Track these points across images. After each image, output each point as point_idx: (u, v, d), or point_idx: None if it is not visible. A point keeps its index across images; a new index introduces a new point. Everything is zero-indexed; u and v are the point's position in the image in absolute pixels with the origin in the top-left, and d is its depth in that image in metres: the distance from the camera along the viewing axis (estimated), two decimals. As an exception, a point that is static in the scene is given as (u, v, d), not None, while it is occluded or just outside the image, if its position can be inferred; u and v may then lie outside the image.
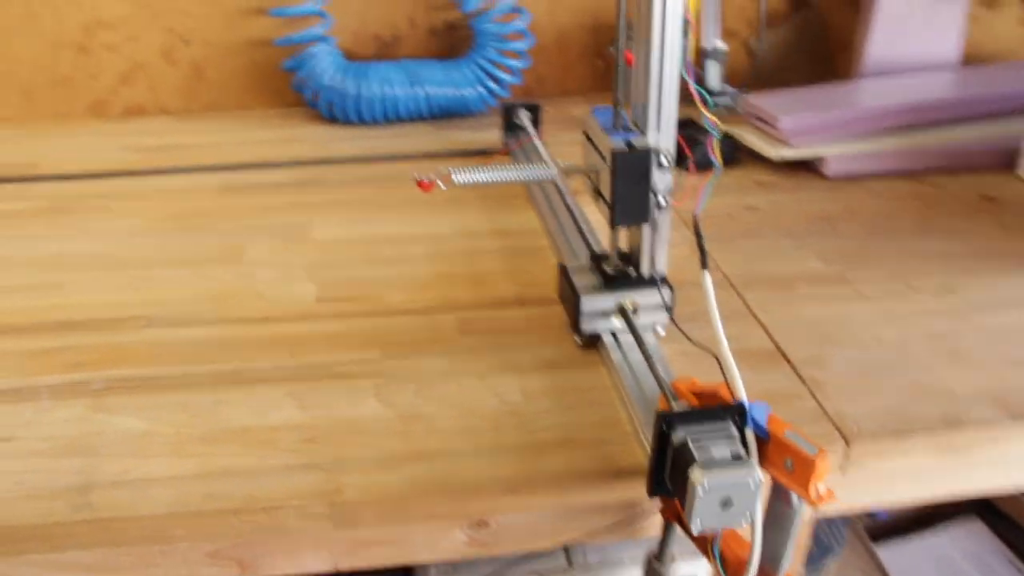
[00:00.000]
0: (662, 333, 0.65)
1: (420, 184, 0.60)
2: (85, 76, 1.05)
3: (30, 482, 0.55)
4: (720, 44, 1.03)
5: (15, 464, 0.56)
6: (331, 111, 1.03)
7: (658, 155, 0.59)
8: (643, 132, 0.60)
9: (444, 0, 1.01)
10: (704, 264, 0.57)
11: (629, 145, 0.59)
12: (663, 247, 0.64)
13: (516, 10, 1.01)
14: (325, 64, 1.01)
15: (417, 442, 0.58)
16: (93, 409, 0.61)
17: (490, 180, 0.61)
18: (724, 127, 0.94)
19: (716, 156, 0.57)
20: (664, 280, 0.64)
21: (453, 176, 0.60)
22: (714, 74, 1.02)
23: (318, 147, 1.00)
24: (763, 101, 0.92)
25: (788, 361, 0.64)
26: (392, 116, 1.03)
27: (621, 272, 0.65)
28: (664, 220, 0.62)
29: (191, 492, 0.54)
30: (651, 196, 0.60)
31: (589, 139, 0.64)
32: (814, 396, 0.61)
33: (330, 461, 0.56)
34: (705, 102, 0.56)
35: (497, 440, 0.58)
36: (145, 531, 0.53)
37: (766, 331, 0.67)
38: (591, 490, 0.55)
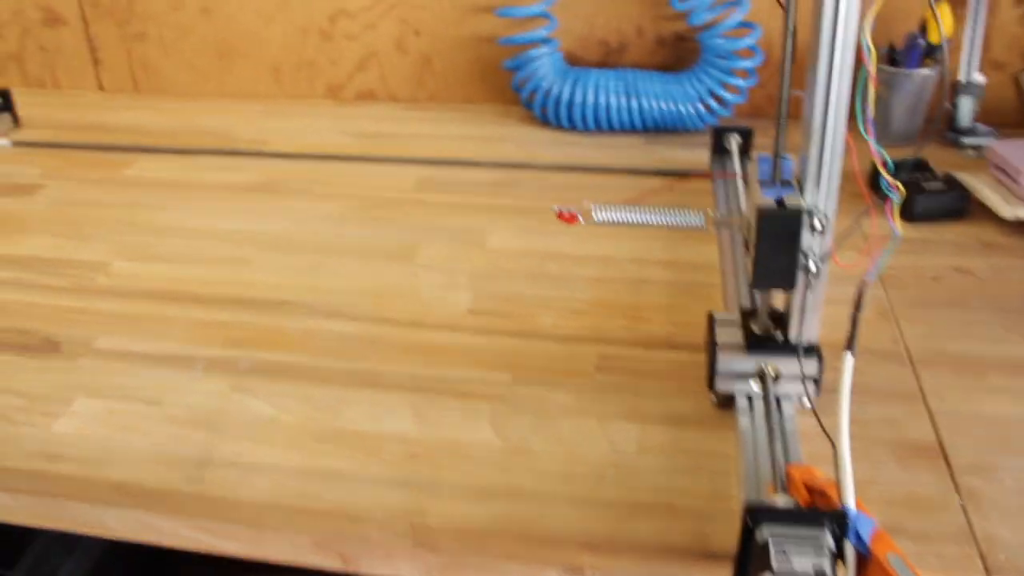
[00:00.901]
0: (807, 406, 0.60)
1: (561, 216, 0.60)
2: (326, 61, 1.13)
3: (160, 446, 0.61)
4: (978, 77, 0.91)
5: (154, 427, 0.63)
6: (544, 114, 1.03)
7: (812, 217, 0.54)
8: (802, 188, 0.55)
9: (675, 10, 0.97)
10: (850, 344, 0.52)
11: (779, 203, 0.54)
12: (815, 314, 0.58)
13: (747, 25, 0.96)
14: (544, 66, 1.01)
15: (515, 478, 0.57)
16: (233, 387, 0.66)
17: (631, 222, 0.59)
18: (943, 178, 0.84)
19: (895, 223, 0.51)
20: (814, 349, 0.59)
21: (593, 213, 0.59)
22: (966, 111, 0.91)
23: (523, 149, 1.01)
24: (1009, 149, 0.81)
25: (948, 463, 0.57)
26: (604, 125, 1.02)
27: (767, 334, 0.61)
28: (818, 287, 0.57)
29: (289, 486, 0.57)
30: (799, 260, 0.55)
31: (749, 187, 0.59)
32: (965, 511, 0.53)
33: (425, 481, 0.57)
34: (885, 162, 0.50)
35: (595, 492, 0.56)
36: (241, 515, 0.58)
37: (932, 422, 0.60)
38: (675, 568, 0.52)
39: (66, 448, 0.61)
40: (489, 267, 0.79)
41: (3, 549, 1.26)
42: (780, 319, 0.61)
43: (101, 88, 1.22)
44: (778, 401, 0.60)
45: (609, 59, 1.06)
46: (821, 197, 0.55)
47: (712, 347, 0.61)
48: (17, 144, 1.06)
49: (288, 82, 1.15)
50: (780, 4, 0.53)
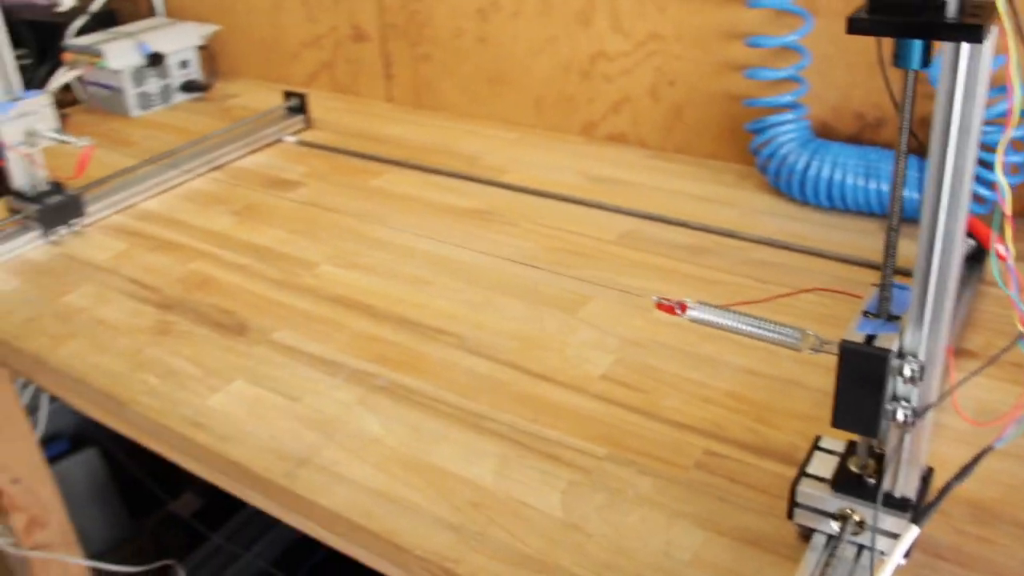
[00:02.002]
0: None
1: (659, 306, 0.59)
2: (584, 99, 1.17)
3: (278, 439, 0.70)
4: None
5: (282, 420, 0.72)
6: (778, 182, 1.00)
7: (902, 364, 0.49)
8: (904, 326, 0.50)
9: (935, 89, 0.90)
10: (917, 518, 0.47)
11: (869, 339, 0.50)
12: (912, 470, 0.53)
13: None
14: (785, 133, 0.98)
15: (556, 555, 0.59)
16: (360, 400, 0.73)
17: (723, 326, 0.57)
18: None
19: None
20: (908, 503, 0.54)
21: (689, 310, 0.58)
22: None
23: (744, 216, 0.98)
24: None
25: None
26: (839, 203, 0.96)
27: (858, 473, 0.56)
28: (916, 438, 0.52)
29: (360, 503, 0.63)
30: (885, 408, 0.51)
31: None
32: None
33: (474, 532, 0.60)
34: None
35: (623, 592, 0.56)
36: (313, 516, 0.65)
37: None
38: None
39: (209, 420, 0.72)
40: (644, 335, 0.80)
41: (215, 512, 1.47)
42: (881, 459, 0.56)
43: (391, 100, 1.37)
44: (860, 550, 0.56)
45: (863, 134, 1.00)
46: (922, 341, 0.50)
47: (798, 475, 0.57)
48: (301, 143, 1.23)
49: (548, 114, 1.22)
50: (893, 102, 0.50)
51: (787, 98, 0.99)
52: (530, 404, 0.72)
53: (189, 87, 1.41)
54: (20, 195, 1.01)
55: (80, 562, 1.38)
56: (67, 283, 0.93)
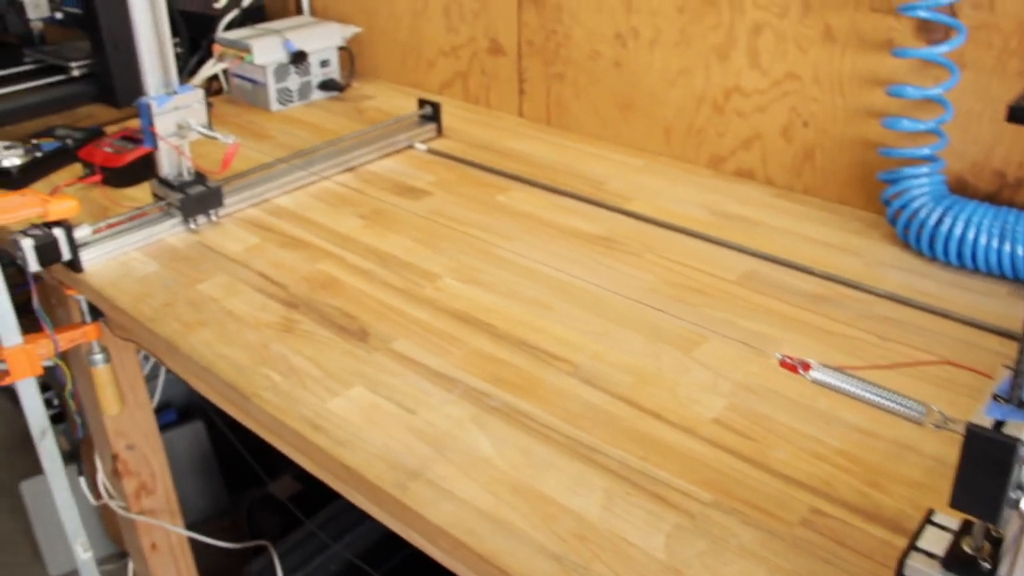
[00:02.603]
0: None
1: (783, 364, 0.60)
2: (714, 132, 1.18)
3: (391, 448, 0.73)
4: None
5: (397, 430, 0.75)
6: (907, 235, 0.99)
7: (1029, 452, 0.49)
8: (1034, 414, 0.50)
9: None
10: None
11: (997, 426, 0.50)
12: (1028, 560, 0.53)
13: None
14: (918, 186, 0.97)
15: (648, 597, 0.60)
16: (473, 419, 0.76)
17: (846, 391, 0.57)
18: None
19: None
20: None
21: (812, 371, 0.59)
22: None
23: (868, 268, 0.97)
24: None
25: None
26: (968, 263, 0.95)
27: (972, 555, 0.56)
28: (1034, 529, 0.52)
29: (466, 520, 0.66)
30: (1009, 496, 0.50)
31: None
32: None
33: (576, 564, 0.62)
34: None
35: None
36: (420, 528, 0.68)
37: None
38: None
39: (328, 423, 0.76)
40: (758, 382, 0.80)
41: (311, 498, 1.52)
42: (999, 544, 0.56)
43: (521, 114, 1.40)
44: (965, 634, 0.55)
45: (1002, 194, 0.98)
46: (1057, 430, 0.50)
47: (908, 548, 0.57)
48: (431, 151, 1.27)
49: (676, 144, 1.23)
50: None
51: (925, 150, 0.98)
52: (640, 441, 0.73)
53: (327, 86, 1.47)
54: (165, 183, 1.07)
55: (181, 531, 1.45)
56: (201, 271, 0.99)
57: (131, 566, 1.47)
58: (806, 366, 0.59)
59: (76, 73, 1.46)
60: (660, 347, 0.85)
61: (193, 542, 1.49)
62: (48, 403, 1.87)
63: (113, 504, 1.37)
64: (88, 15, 1.40)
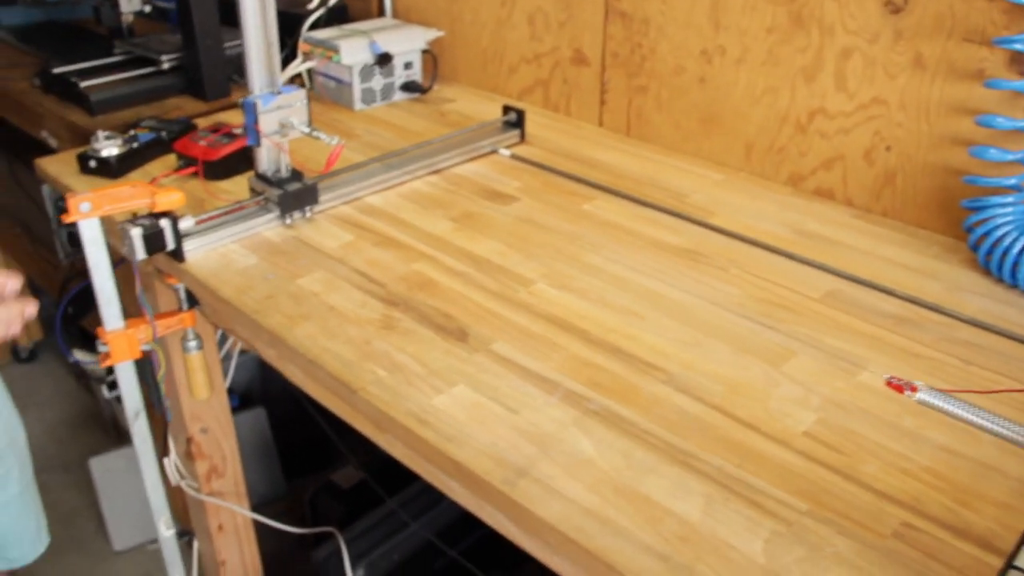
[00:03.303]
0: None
1: (889, 384, 0.64)
2: (796, 151, 1.22)
3: (497, 446, 0.77)
4: None
5: (502, 429, 0.79)
6: (988, 262, 1.02)
7: None
8: None
9: None
10: None
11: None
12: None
13: None
14: (1003, 215, 1.00)
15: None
16: (575, 422, 0.80)
17: (953, 414, 0.61)
18: None
19: None
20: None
21: (919, 392, 0.62)
22: None
23: (948, 293, 1.01)
24: None
25: None
26: (1050, 293, 0.98)
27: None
28: None
29: (573, 518, 0.70)
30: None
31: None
32: None
33: (682, 565, 0.67)
34: None
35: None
36: (528, 524, 0.72)
37: None
38: None
39: (434, 418, 0.80)
40: (847, 399, 0.84)
41: (373, 491, 1.58)
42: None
43: (600, 124, 1.45)
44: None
45: (1088, 226, 1.01)
46: None
47: (1005, 566, 0.61)
48: (514, 157, 1.32)
49: (756, 161, 1.27)
50: None
51: (1011, 180, 1.01)
52: (736, 450, 0.77)
53: (409, 87, 1.53)
54: (264, 178, 1.12)
55: (248, 513, 1.51)
56: (300, 266, 1.04)
57: (196, 545, 1.52)
58: (913, 387, 0.63)
59: (166, 66, 1.52)
60: (749, 360, 0.89)
61: (257, 525, 1.55)
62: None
63: (185, 485, 1.43)
64: (182, 11, 1.46)
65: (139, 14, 1.61)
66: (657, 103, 1.35)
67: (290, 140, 1.12)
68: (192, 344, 1.13)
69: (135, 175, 1.27)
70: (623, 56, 1.36)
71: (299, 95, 1.10)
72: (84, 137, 1.46)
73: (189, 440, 1.42)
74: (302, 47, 1.49)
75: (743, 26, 1.22)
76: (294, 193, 1.11)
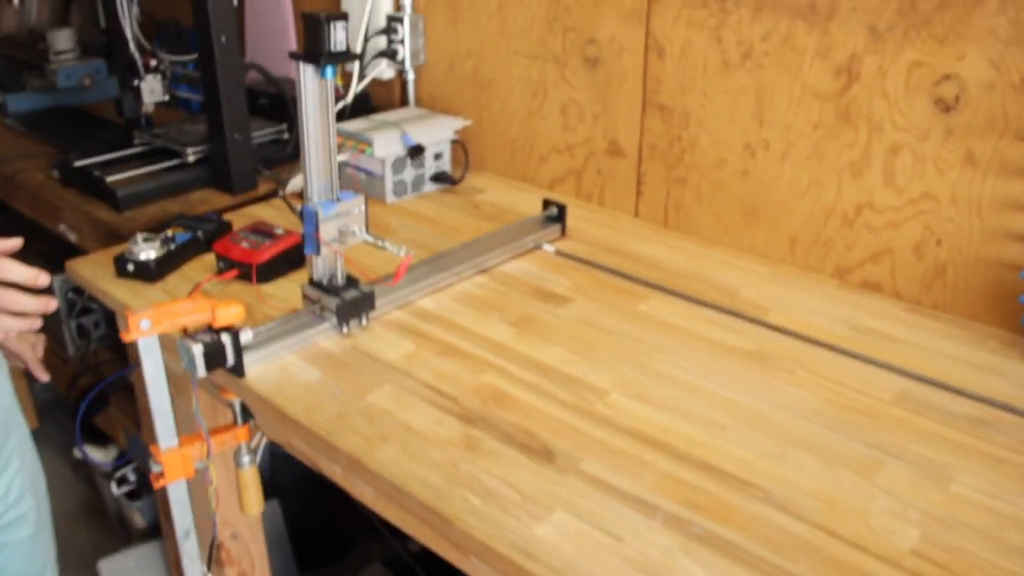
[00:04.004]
0: None
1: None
2: (842, 245, 1.23)
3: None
4: None
5: (610, 560, 0.77)
6: (1053, 360, 1.03)
7: None
8: None
9: None
10: None
11: None
12: None
13: None
14: (1067, 314, 1.02)
15: None
16: (681, 548, 0.79)
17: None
18: None
19: None
20: None
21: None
22: None
23: (1014, 389, 1.01)
24: None
25: None
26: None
27: None
28: None
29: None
30: None
31: None
32: None
33: None
34: None
35: None
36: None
37: None
38: None
39: (540, 551, 0.78)
40: (944, 511, 0.83)
41: None
42: None
43: (636, 215, 1.45)
44: None
45: None
46: None
47: None
48: (559, 253, 1.31)
49: (800, 253, 1.28)
50: None
51: (1073, 278, 1.03)
52: (848, 572, 0.76)
53: (439, 178, 1.52)
54: (319, 286, 1.10)
55: (278, 619, 1.46)
56: (366, 380, 1.02)
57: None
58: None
59: (191, 159, 1.50)
60: (839, 471, 0.88)
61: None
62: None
63: (217, 592, 1.38)
64: (210, 104, 1.45)
65: (158, 103, 1.59)
66: (697, 195, 1.36)
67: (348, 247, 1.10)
68: (246, 459, 1.10)
69: (173, 278, 1.25)
70: (661, 148, 1.37)
71: (358, 201, 1.08)
72: (108, 233, 1.43)
73: (219, 547, 1.38)
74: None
75: (788, 121, 1.23)
76: (352, 302, 1.09)
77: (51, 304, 1.07)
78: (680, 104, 1.34)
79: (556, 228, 1.35)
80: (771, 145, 1.26)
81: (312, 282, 1.11)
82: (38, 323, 1.08)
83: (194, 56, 1.51)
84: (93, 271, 1.26)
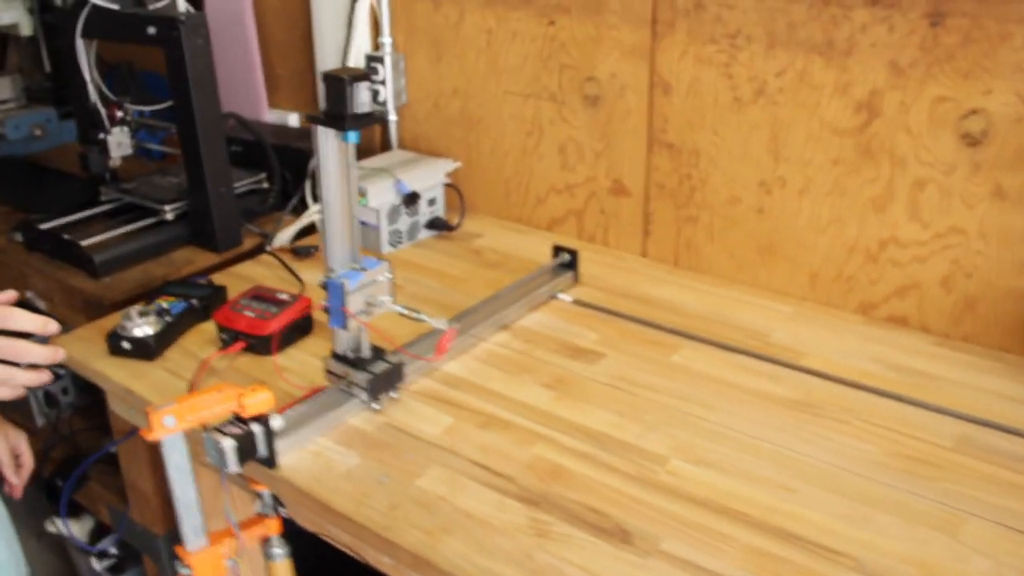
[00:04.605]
0: None
1: None
2: (866, 280, 1.20)
3: None
4: None
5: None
6: (1097, 392, 1.02)
7: None
8: None
9: None
10: None
11: None
12: None
13: None
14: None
15: None
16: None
17: None
18: None
19: None
20: None
21: None
22: None
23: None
24: None
25: None
26: None
27: None
28: None
29: None
30: None
31: None
32: None
33: None
34: None
35: None
36: None
37: None
38: None
39: (648, 652, 0.73)
40: (1042, 570, 0.81)
41: None
42: None
43: (644, 255, 1.40)
44: None
45: None
46: None
47: None
48: (577, 303, 1.25)
49: (822, 290, 1.25)
50: None
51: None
52: (970, 653, 0.73)
53: (435, 224, 1.45)
54: (344, 359, 1.02)
55: None
56: (410, 462, 0.94)
57: None
58: None
59: (170, 216, 1.39)
60: (922, 531, 0.85)
61: None
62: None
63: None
64: (188, 156, 1.34)
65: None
66: (709, 233, 1.32)
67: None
68: (279, 552, 1.01)
69: (172, 353, 1.15)
70: (670, 187, 1.33)
71: (383, 268, 1.01)
72: (86, 302, 1.33)
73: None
74: (321, 191, 1.39)
75: (806, 158, 1.20)
76: (383, 376, 1.01)
77: (59, 353, 1.03)
78: (689, 142, 1.30)
79: (569, 275, 1.29)
80: (788, 182, 1.22)
81: (336, 356, 1.04)
82: (47, 377, 1.03)
83: (166, 104, 1.40)
84: (83, 350, 1.16)
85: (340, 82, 0.92)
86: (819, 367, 1.10)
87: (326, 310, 1.00)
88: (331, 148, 0.96)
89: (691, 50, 1.25)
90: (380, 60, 1.48)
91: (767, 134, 1.23)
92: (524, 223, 1.53)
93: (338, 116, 0.94)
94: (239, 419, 0.93)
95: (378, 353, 1.04)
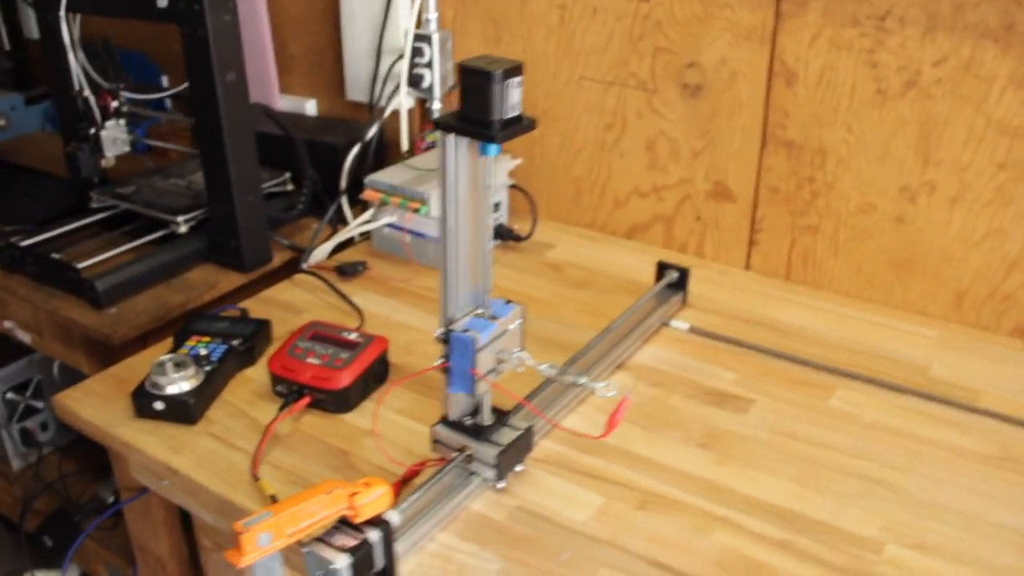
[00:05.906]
0: None
1: None
2: (1026, 298, 1.03)
3: None
4: None
5: None
6: None
7: None
8: None
9: None
10: None
11: None
12: None
13: None
14: None
15: None
16: None
17: None
18: None
19: None
20: None
21: None
22: None
23: None
24: None
25: None
26: None
27: None
28: None
29: None
30: None
31: None
32: None
33: None
34: None
35: None
36: None
37: None
38: None
39: None
40: None
41: None
42: None
43: (747, 267, 1.21)
44: None
45: None
46: None
47: None
48: (694, 331, 1.04)
49: (969, 310, 1.07)
50: None
51: None
52: None
53: (500, 234, 1.21)
54: (459, 426, 0.80)
55: None
56: (568, 566, 0.73)
57: None
58: None
59: (183, 228, 1.12)
60: None
61: None
62: None
63: None
64: (208, 158, 1.08)
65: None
66: (832, 245, 1.12)
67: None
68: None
69: (216, 412, 0.90)
70: (786, 191, 1.12)
71: (515, 314, 0.78)
72: (86, 337, 1.07)
73: None
74: (369, 195, 1.14)
75: (964, 161, 1.01)
76: (512, 447, 0.79)
77: None
78: (814, 140, 1.09)
79: (677, 298, 1.08)
80: (938, 188, 1.03)
81: (447, 422, 0.81)
82: None
83: (167, 93, 1.13)
84: (101, 411, 0.91)
85: (485, 78, 0.68)
86: (1004, 410, 0.92)
87: (445, 370, 0.77)
88: (463, 163, 0.72)
89: (826, 33, 1.04)
90: (426, 39, 1.24)
91: (916, 132, 1.03)
92: (597, 229, 1.31)
93: (480, 122, 0.70)
94: (347, 523, 0.71)
95: (501, 417, 0.82)
